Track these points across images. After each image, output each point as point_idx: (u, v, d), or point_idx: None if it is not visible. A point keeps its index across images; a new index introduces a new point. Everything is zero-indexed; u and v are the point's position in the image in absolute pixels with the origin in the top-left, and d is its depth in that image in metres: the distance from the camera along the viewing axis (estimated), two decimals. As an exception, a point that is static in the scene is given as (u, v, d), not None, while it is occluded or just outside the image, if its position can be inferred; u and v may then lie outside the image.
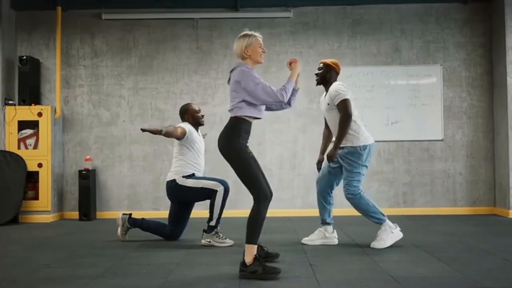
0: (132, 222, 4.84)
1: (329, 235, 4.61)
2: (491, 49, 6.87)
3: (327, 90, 4.53)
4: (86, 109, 6.98)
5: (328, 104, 4.47)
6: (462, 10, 6.93)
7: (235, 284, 3.22)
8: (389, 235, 4.39)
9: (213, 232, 4.61)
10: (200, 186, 4.64)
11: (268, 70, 6.93)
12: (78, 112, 6.98)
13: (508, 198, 6.42)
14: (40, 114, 6.52)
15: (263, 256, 3.77)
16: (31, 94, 6.65)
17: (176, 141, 4.82)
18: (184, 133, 4.71)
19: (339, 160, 4.48)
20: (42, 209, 6.47)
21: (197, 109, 4.94)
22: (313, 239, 4.62)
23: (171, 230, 4.86)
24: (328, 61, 4.58)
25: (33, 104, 6.57)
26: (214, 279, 3.39)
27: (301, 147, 6.92)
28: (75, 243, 4.86)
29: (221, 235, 4.63)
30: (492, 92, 6.86)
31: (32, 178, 6.52)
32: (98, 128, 6.96)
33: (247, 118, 3.59)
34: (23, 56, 6.62)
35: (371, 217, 4.43)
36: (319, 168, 4.75)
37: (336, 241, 4.61)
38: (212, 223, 4.60)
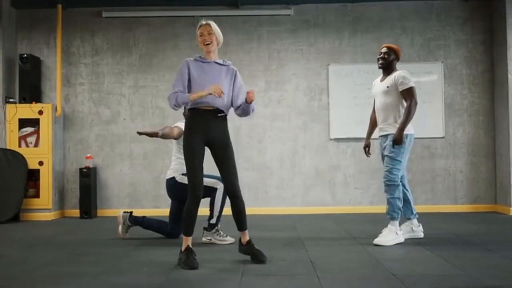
0: (133, 220, 4.84)
1: (416, 229, 4.64)
2: (492, 47, 6.85)
3: (386, 74, 4.59)
4: (87, 107, 6.97)
5: (388, 87, 4.50)
6: (463, 8, 6.92)
7: (236, 282, 3.22)
8: (393, 235, 4.40)
9: (214, 230, 4.61)
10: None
11: (269, 68, 6.93)
12: (78, 110, 6.98)
13: (509, 196, 6.41)
14: (40, 112, 6.52)
15: (250, 253, 3.74)
16: (31, 92, 6.65)
17: (173, 140, 4.82)
18: (181, 133, 4.71)
19: (383, 150, 4.55)
20: (43, 207, 6.47)
21: None
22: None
23: (172, 228, 4.85)
24: (393, 45, 4.63)
25: (33, 102, 6.58)
26: (215, 277, 3.39)
27: (301, 145, 6.92)
28: (76, 241, 4.86)
29: (221, 233, 4.63)
30: (493, 90, 6.85)
31: (33, 176, 6.52)
32: (99, 126, 6.96)
33: (192, 108, 3.68)
34: (24, 54, 6.62)
35: (390, 208, 4.43)
36: (367, 152, 4.83)
37: (422, 234, 4.65)
38: (213, 221, 4.60)
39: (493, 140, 6.84)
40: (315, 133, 6.91)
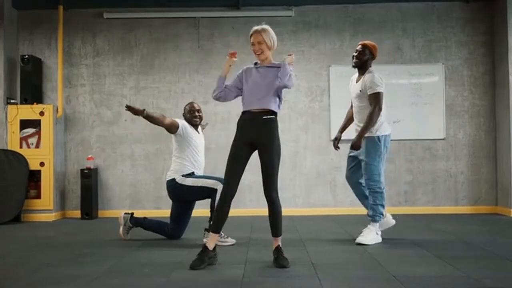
0: (134, 221, 4.84)
1: (384, 220, 4.59)
2: (493, 48, 6.85)
3: (361, 74, 4.50)
4: (88, 108, 6.98)
5: (361, 91, 4.45)
6: (464, 9, 6.92)
7: (237, 283, 3.22)
8: (373, 235, 4.46)
9: None
10: (200, 184, 4.63)
11: (270, 69, 6.92)
12: (80, 111, 6.98)
13: (510, 197, 6.41)
14: (42, 113, 6.53)
15: (274, 258, 3.72)
16: (33, 93, 6.66)
17: (173, 139, 4.81)
18: (174, 125, 4.68)
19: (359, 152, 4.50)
20: (44, 208, 6.48)
21: (196, 108, 4.90)
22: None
23: (172, 229, 4.86)
24: (368, 43, 4.51)
25: (35, 103, 6.58)
26: (216, 278, 3.39)
27: (302, 146, 6.92)
28: (77, 242, 4.86)
29: (223, 234, 4.62)
30: (494, 91, 6.85)
31: (34, 177, 6.53)
32: (100, 127, 6.96)
33: (243, 111, 3.78)
34: (25, 55, 6.63)
35: (373, 213, 4.45)
36: (335, 145, 4.79)
37: (393, 221, 4.63)
38: None
39: (494, 142, 6.84)
40: (316, 134, 6.91)
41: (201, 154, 4.90)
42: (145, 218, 4.91)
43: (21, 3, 6.86)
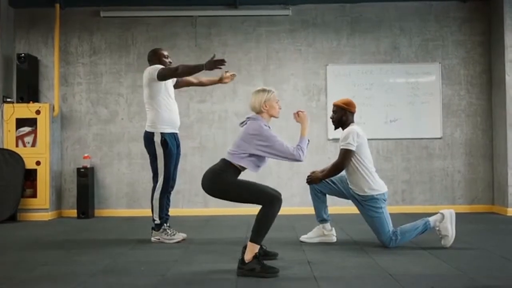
0: (163, 221, 4.69)
1: (328, 233, 4.61)
2: (490, 48, 6.86)
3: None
4: (85, 106, 6.96)
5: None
6: (461, 8, 6.92)
7: (233, 282, 3.22)
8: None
9: (161, 230, 4.62)
10: (157, 163, 4.57)
11: (267, 68, 6.93)
12: (76, 110, 6.97)
13: (506, 196, 6.42)
14: (38, 112, 6.51)
15: (262, 254, 3.77)
16: (29, 91, 6.64)
17: (144, 84, 4.65)
18: None
19: (358, 205, 4.42)
20: (40, 207, 6.46)
21: (165, 54, 4.83)
22: (312, 236, 4.62)
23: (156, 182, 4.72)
24: (340, 102, 4.46)
25: (31, 102, 6.56)
26: (211, 276, 3.39)
27: (299, 145, 6.90)
28: (73, 241, 4.85)
29: (169, 232, 4.62)
30: (490, 90, 6.86)
31: (30, 176, 6.51)
32: (97, 126, 6.95)
33: (240, 168, 3.68)
34: (21, 54, 6.61)
35: (416, 233, 4.31)
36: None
37: (334, 239, 4.61)
38: (157, 221, 4.61)
39: (491, 141, 6.85)
40: (313, 133, 6.89)
41: (173, 98, 4.77)
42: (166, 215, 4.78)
43: (18, 2, 6.83)
